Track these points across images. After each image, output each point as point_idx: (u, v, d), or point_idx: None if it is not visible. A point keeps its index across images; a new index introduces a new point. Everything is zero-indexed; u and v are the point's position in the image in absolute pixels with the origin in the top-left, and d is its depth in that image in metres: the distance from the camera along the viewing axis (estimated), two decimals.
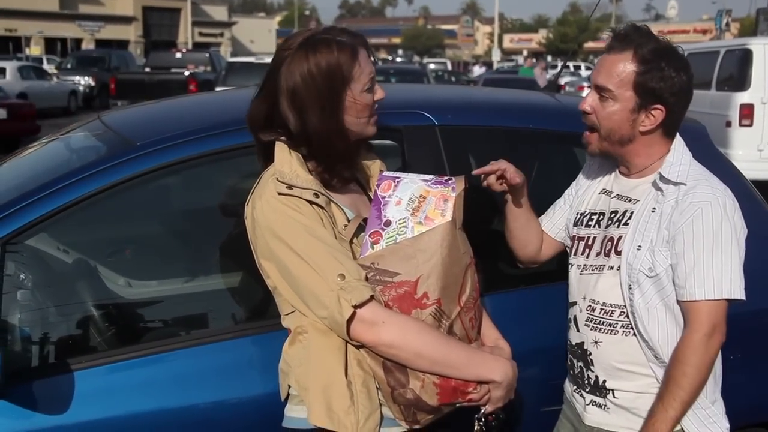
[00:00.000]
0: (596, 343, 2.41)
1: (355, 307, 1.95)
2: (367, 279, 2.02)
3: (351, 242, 2.10)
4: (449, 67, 47.15)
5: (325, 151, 2.11)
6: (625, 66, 2.29)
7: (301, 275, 2.01)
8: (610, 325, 2.38)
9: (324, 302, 1.98)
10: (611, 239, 2.40)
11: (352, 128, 2.14)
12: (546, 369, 2.79)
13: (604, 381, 2.42)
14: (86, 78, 29.27)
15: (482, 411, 2.13)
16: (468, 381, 2.06)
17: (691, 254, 2.23)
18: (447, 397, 2.05)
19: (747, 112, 11.48)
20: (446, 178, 2.18)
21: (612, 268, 2.38)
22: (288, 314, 2.14)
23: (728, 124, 11.58)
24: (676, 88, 2.29)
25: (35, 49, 45.86)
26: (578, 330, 2.47)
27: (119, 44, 51.31)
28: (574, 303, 2.49)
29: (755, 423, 3.03)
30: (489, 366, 2.10)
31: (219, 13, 66.26)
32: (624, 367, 2.38)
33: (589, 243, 2.47)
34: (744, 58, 11.77)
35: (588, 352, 2.44)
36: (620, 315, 2.37)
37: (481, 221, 2.91)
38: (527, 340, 2.69)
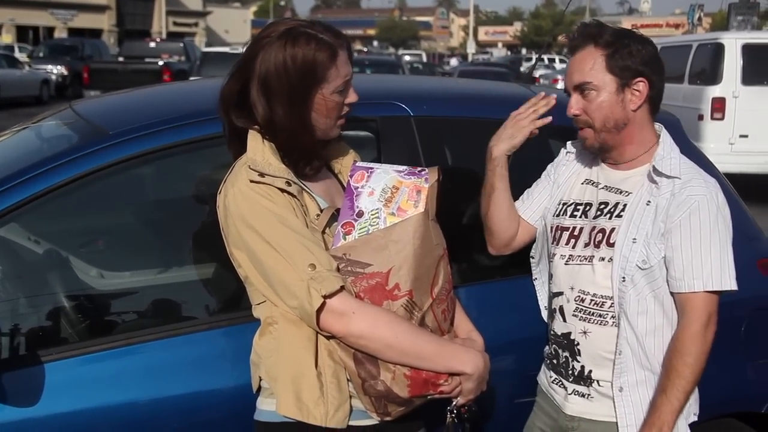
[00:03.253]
0: (585, 333, 2.43)
1: (325, 297, 1.94)
2: (338, 270, 2.01)
3: (324, 232, 2.09)
4: (424, 58, 47.14)
5: (289, 144, 2.10)
6: (593, 56, 2.35)
7: (271, 264, 2.00)
8: (600, 315, 2.40)
9: (294, 292, 1.97)
10: (602, 230, 2.41)
11: (317, 126, 2.12)
12: (519, 360, 2.80)
13: (590, 371, 2.43)
14: (59, 67, 28.94)
15: (454, 403, 2.13)
16: (439, 373, 2.06)
17: (689, 247, 2.28)
18: (418, 389, 2.04)
19: (719, 106, 11.60)
20: (419, 168, 2.17)
21: (603, 259, 2.39)
22: (259, 304, 2.13)
23: (700, 117, 11.69)
24: (647, 58, 2.35)
25: (7, 37, 45.29)
26: (565, 320, 2.47)
27: (92, 33, 50.67)
28: (560, 293, 2.49)
29: (726, 414, 3.06)
30: (460, 358, 2.09)
31: (194, 2, 65.73)
32: (611, 357, 2.40)
33: (575, 233, 2.47)
34: (716, 52, 11.88)
35: (575, 342, 2.45)
36: (611, 306, 2.38)
37: (455, 212, 2.91)
38: (500, 332, 2.70)
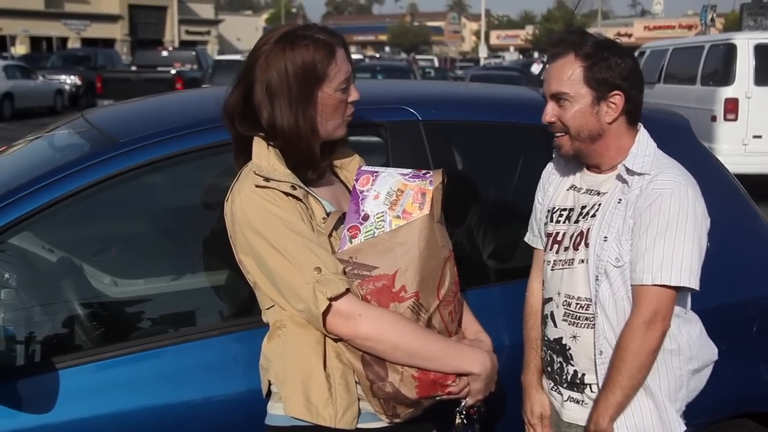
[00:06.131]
0: (575, 337, 2.42)
1: (331, 299, 1.96)
2: (345, 273, 2.02)
3: (330, 236, 2.10)
4: (436, 63, 47.09)
5: (292, 148, 2.11)
6: (572, 66, 2.33)
7: (278, 268, 2.01)
8: (586, 318, 2.39)
9: (300, 295, 1.99)
10: (581, 233, 2.40)
11: (321, 128, 2.14)
12: None
13: (583, 375, 2.43)
14: (72, 77, 29.08)
15: (463, 404, 2.14)
16: (447, 374, 2.07)
17: (644, 239, 2.24)
18: (426, 390, 2.05)
19: (731, 107, 11.56)
20: (424, 171, 2.18)
21: (583, 261, 2.38)
22: (268, 309, 2.14)
23: (713, 118, 11.65)
24: (625, 72, 2.32)
25: (21, 48, 45.59)
26: (556, 326, 2.47)
27: (105, 43, 50.96)
28: (550, 299, 2.50)
29: (738, 414, 3.05)
30: (467, 358, 2.10)
31: (206, 11, 65.98)
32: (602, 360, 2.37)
33: (558, 239, 2.47)
34: (728, 53, 11.85)
35: (567, 347, 2.45)
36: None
37: (464, 215, 2.92)
38: (509, 333, 2.70)
